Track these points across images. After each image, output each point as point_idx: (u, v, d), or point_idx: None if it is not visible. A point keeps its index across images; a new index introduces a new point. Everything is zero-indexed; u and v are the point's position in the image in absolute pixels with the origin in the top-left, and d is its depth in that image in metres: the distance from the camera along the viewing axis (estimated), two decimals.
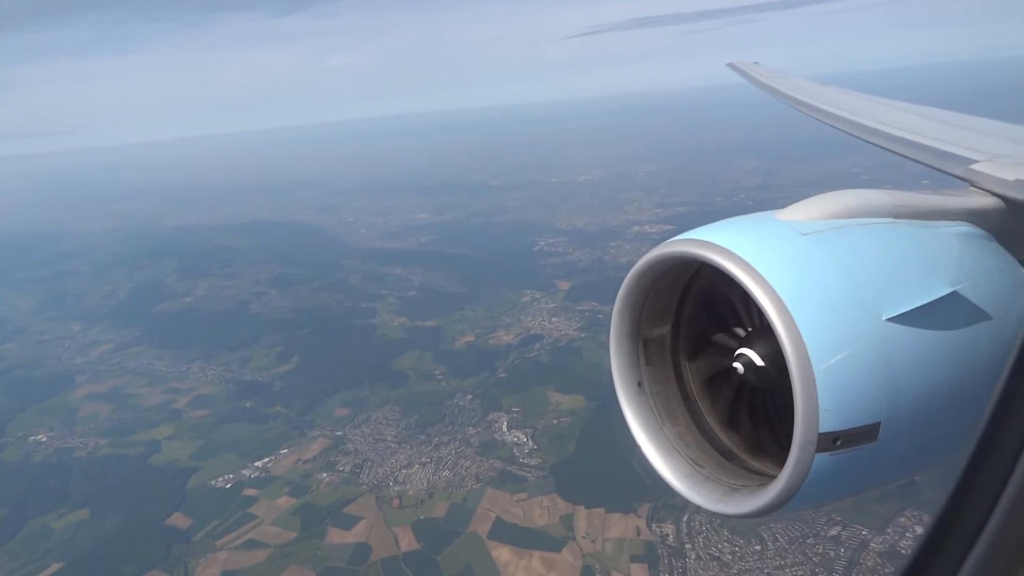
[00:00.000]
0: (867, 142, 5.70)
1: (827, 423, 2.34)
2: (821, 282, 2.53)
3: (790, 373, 2.37)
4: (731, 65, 11.66)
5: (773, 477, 2.61)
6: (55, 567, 44.25)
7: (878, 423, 2.41)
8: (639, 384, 3.29)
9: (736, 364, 2.77)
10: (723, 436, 3.26)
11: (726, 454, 3.22)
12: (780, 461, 2.54)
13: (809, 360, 2.34)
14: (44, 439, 61.48)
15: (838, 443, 2.37)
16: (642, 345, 3.29)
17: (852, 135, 6.12)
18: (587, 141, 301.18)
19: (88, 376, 75.48)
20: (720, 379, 3.18)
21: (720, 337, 3.12)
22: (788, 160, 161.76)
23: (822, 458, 2.37)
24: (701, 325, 3.28)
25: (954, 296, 2.64)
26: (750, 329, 2.95)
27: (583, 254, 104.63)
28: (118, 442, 59.82)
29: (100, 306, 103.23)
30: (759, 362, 2.71)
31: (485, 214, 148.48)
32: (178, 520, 47.96)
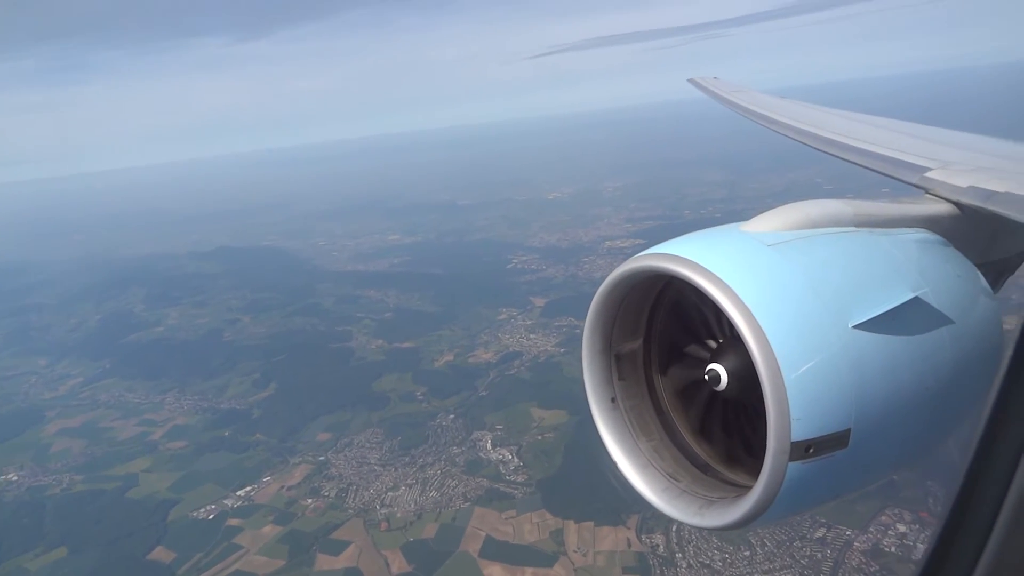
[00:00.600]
0: (825, 153, 5.76)
1: (799, 431, 2.37)
2: (788, 292, 2.56)
3: (761, 383, 2.40)
4: (692, 81, 11.75)
5: (749, 488, 2.62)
6: None
7: (848, 429, 2.44)
8: (613, 400, 3.31)
9: (708, 376, 2.78)
10: (698, 449, 3.29)
11: (702, 467, 3.24)
12: (755, 472, 2.56)
13: (779, 369, 2.37)
14: (15, 478, 59.74)
15: (810, 451, 2.40)
16: (614, 361, 3.32)
17: (811, 146, 6.16)
18: (553, 159, 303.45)
19: (58, 411, 73.58)
20: (693, 392, 3.21)
21: (691, 350, 3.18)
22: (751, 172, 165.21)
23: (795, 467, 2.40)
24: (672, 338, 3.32)
25: (916, 301, 2.70)
26: (720, 341, 2.98)
27: (557, 270, 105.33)
28: (93, 477, 58.41)
29: (67, 339, 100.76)
30: (727, 375, 2.72)
31: (456, 233, 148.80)
32: (161, 554, 46.99)
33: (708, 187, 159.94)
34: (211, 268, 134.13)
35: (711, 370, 2.76)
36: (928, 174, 3.93)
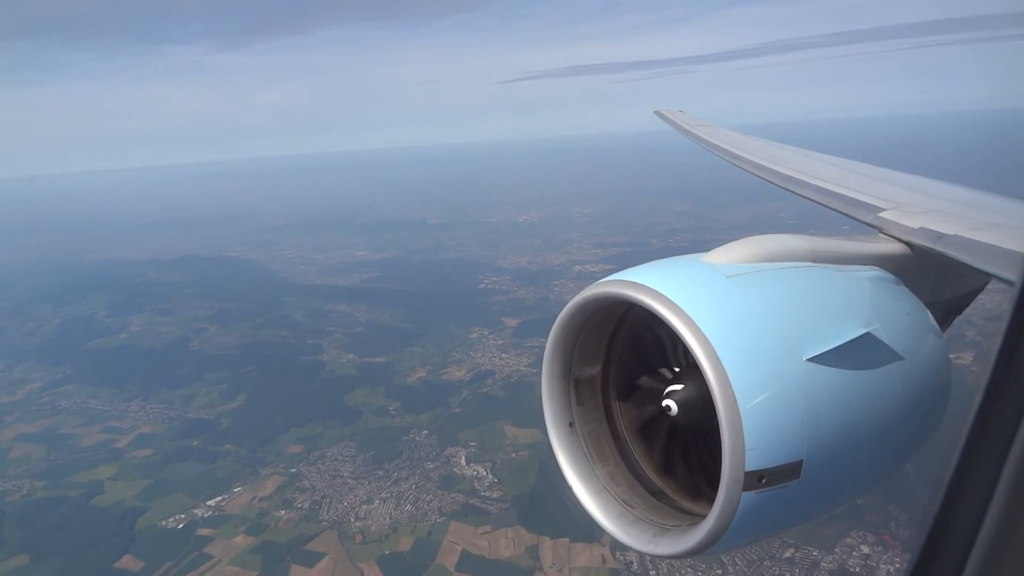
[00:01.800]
0: (784, 189, 5.90)
1: (753, 462, 2.39)
2: (745, 323, 2.60)
3: (717, 412, 2.42)
4: (658, 113, 11.88)
5: (703, 516, 2.64)
6: None
7: (801, 461, 2.48)
8: (571, 424, 3.33)
9: (665, 403, 2.80)
10: (653, 476, 3.30)
11: (656, 494, 3.25)
12: (709, 500, 2.58)
13: (735, 399, 2.40)
14: None
15: (763, 481, 2.42)
16: (573, 386, 3.34)
17: (771, 182, 6.26)
18: (522, 182, 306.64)
19: (16, 416, 71.55)
20: (650, 419, 3.24)
21: (649, 378, 3.21)
22: (717, 204, 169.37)
23: (748, 496, 2.42)
24: (631, 365, 3.34)
25: (868, 337, 2.75)
26: (678, 369, 3.02)
27: (528, 292, 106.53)
28: (56, 483, 57.00)
29: (23, 343, 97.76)
30: (683, 404, 2.75)
31: (426, 252, 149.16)
32: (128, 563, 46.22)
33: (675, 216, 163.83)
34: (175, 276, 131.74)
35: (668, 397, 2.80)
36: (882, 214, 4.05)
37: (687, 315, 2.54)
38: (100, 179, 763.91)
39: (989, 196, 4.99)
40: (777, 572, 40.36)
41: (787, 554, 41.51)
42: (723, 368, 2.42)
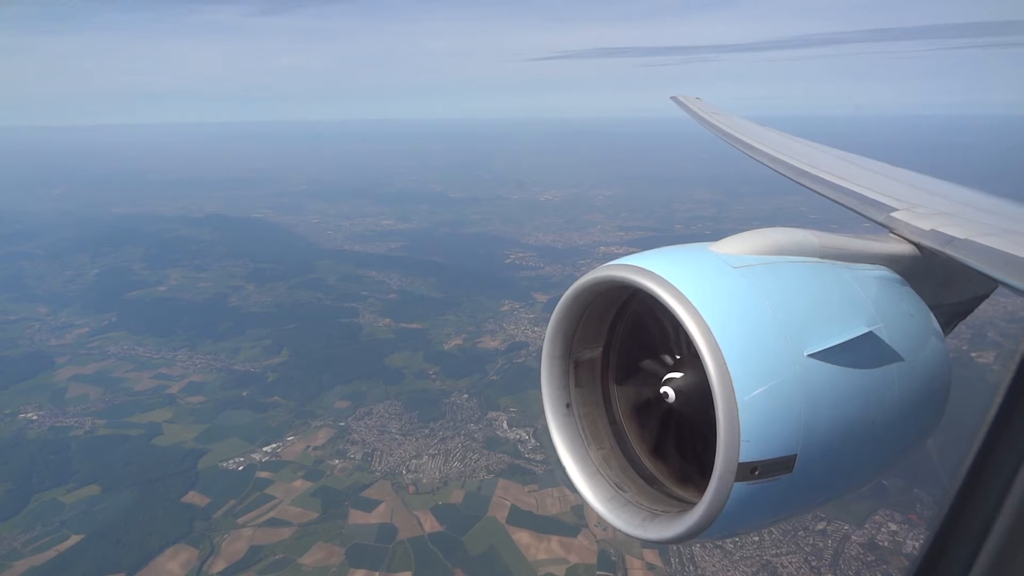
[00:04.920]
0: (797, 183, 5.79)
1: (747, 453, 2.40)
2: (748, 315, 2.60)
3: (715, 402, 2.43)
4: (674, 98, 11.67)
5: (693, 504, 2.65)
6: (75, 539, 44.80)
7: (795, 455, 2.48)
8: (568, 405, 3.34)
9: (663, 390, 2.81)
10: (646, 461, 3.32)
11: (649, 479, 3.26)
12: (700, 488, 2.58)
13: (733, 390, 2.41)
14: (35, 417, 60.91)
15: (756, 473, 2.43)
16: (573, 367, 3.35)
17: (783, 175, 6.17)
18: (544, 162, 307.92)
19: (68, 358, 74.51)
20: (647, 405, 3.27)
21: (649, 363, 3.19)
22: (738, 194, 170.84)
23: (740, 487, 2.43)
24: (632, 350, 3.35)
25: (871, 336, 2.75)
26: (678, 357, 3.02)
27: (554, 269, 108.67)
28: (116, 423, 59.99)
29: (65, 290, 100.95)
30: (681, 391, 2.76)
31: (450, 225, 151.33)
32: (194, 498, 49.19)
33: (697, 204, 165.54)
34: (206, 234, 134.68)
35: (666, 384, 2.81)
36: (893, 214, 4.01)
37: (690, 303, 2.56)
38: (120, 133, 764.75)
39: (1007, 202, 4.90)
40: (811, 542, 43.07)
41: (820, 526, 44.20)
42: (723, 358, 2.45)
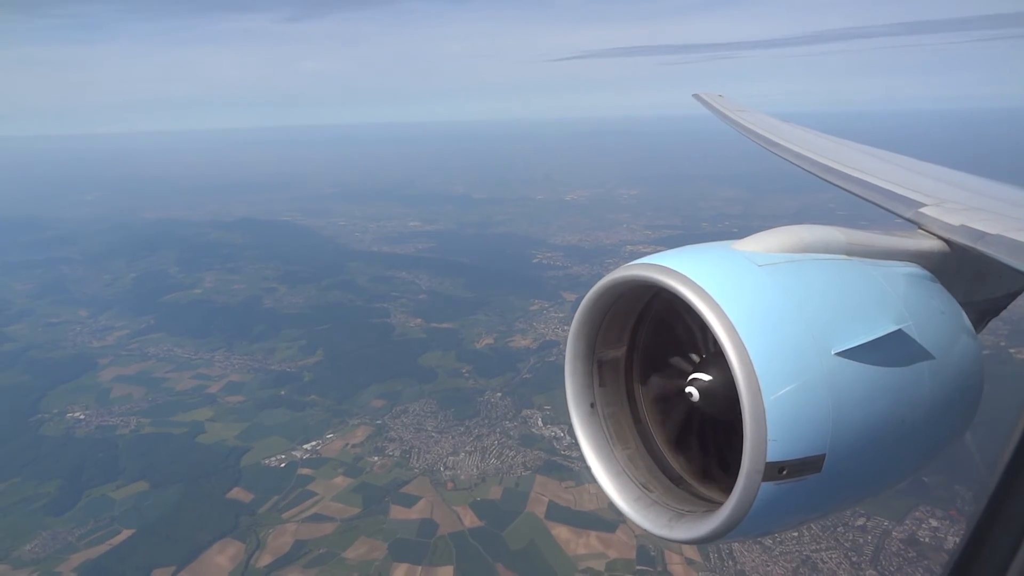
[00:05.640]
0: (822, 179, 5.69)
1: (774, 453, 2.38)
2: (774, 313, 2.57)
3: (740, 402, 2.41)
4: (697, 96, 11.51)
5: (719, 504, 2.63)
6: (127, 533, 46.29)
7: (823, 455, 2.45)
8: (592, 405, 3.32)
9: (688, 390, 2.78)
10: (672, 461, 3.28)
11: (675, 479, 3.23)
12: (727, 488, 2.56)
13: (759, 389, 2.38)
14: (82, 416, 62.80)
15: (784, 473, 2.41)
16: (596, 366, 3.32)
17: (808, 171, 6.08)
18: (568, 162, 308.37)
19: (111, 359, 76.57)
20: (671, 404, 3.21)
21: (673, 362, 3.17)
22: (764, 192, 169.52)
23: (768, 487, 2.41)
24: (655, 350, 3.31)
25: (899, 334, 2.71)
26: (703, 356, 2.97)
27: (582, 269, 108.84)
28: (160, 422, 61.67)
29: (104, 293, 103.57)
30: (707, 391, 2.71)
31: (476, 226, 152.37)
32: (239, 494, 50.46)
33: (723, 203, 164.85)
34: (237, 238, 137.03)
35: (691, 384, 2.77)
36: (922, 209, 3.94)
37: (715, 302, 2.54)
38: (149, 140, 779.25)
39: None
40: (851, 537, 43.09)
41: (859, 522, 44.17)
42: (749, 357, 2.42)
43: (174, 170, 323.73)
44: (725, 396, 2.58)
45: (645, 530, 2.93)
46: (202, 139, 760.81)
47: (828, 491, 2.59)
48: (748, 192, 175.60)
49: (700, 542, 2.72)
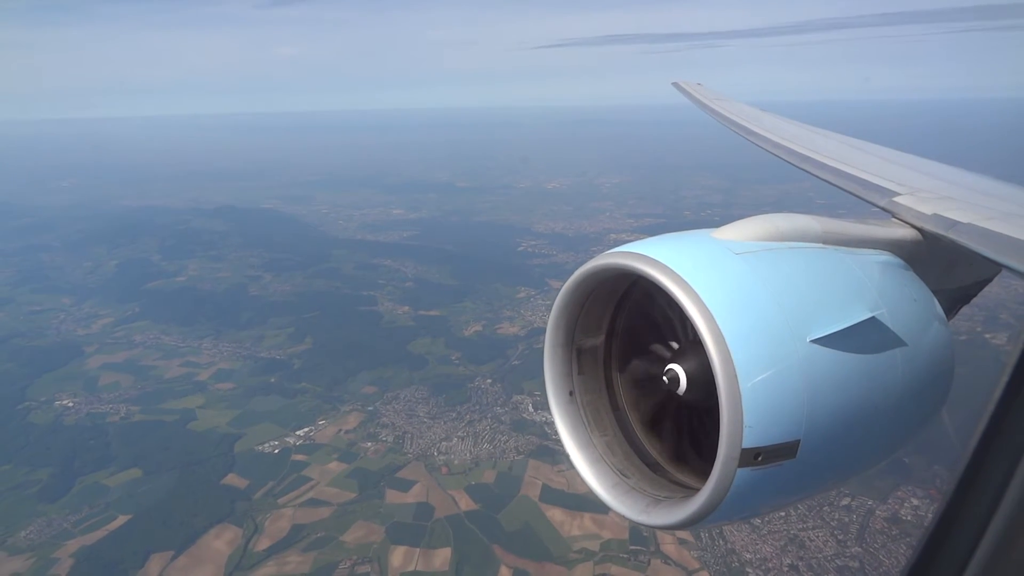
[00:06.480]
0: (798, 168, 5.72)
1: (750, 439, 2.40)
2: (751, 301, 2.58)
3: (717, 389, 2.43)
4: (676, 84, 11.50)
5: (696, 489, 2.65)
6: (123, 519, 46.48)
7: (798, 441, 2.48)
8: (571, 393, 3.34)
9: (665, 377, 2.81)
10: (650, 447, 3.31)
11: (652, 465, 3.25)
12: (704, 474, 2.58)
13: (736, 376, 2.40)
14: (71, 404, 62.56)
15: (759, 459, 2.43)
16: (575, 355, 3.35)
17: (784, 160, 6.10)
18: (549, 150, 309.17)
19: (97, 347, 76.12)
20: (649, 391, 3.24)
21: (652, 350, 3.17)
22: (745, 181, 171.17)
23: (744, 473, 2.44)
24: (634, 337, 3.33)
25: (873, 321, 2.75)
26: (680, 344, 2.98)
27: (567, 257, 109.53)
28: (150, 409, 61.63)
29: (86, 281, 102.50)
30: (684, 378, 2.75)
31: (460, 214, 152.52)
32: (234, 480, 50.80)
33: (704, 191, 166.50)
34: (218, 226, 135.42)
35: (669, 371, 2.81)
36: (896, 198, 3.99)
37: (692, 289, 2.55)
38: (125, 126, 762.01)
39: (1010, 186, 4.88)
40: (837, 516, 44.61)
41: (844, 502, 45.70)
42: (726, 344, 2.44)
43: (151, 156, 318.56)
44: (703, 383, 2.63)
45: (622, 516, 2.97)
46: (179, 125, 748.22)
47: (803, 476, 2.62)
48: (729, 181, 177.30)
49: (677, 528, 2.75)
